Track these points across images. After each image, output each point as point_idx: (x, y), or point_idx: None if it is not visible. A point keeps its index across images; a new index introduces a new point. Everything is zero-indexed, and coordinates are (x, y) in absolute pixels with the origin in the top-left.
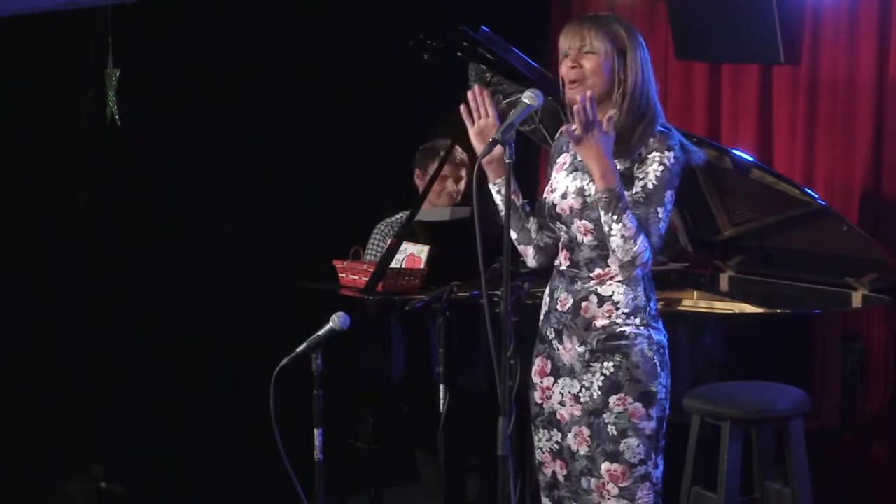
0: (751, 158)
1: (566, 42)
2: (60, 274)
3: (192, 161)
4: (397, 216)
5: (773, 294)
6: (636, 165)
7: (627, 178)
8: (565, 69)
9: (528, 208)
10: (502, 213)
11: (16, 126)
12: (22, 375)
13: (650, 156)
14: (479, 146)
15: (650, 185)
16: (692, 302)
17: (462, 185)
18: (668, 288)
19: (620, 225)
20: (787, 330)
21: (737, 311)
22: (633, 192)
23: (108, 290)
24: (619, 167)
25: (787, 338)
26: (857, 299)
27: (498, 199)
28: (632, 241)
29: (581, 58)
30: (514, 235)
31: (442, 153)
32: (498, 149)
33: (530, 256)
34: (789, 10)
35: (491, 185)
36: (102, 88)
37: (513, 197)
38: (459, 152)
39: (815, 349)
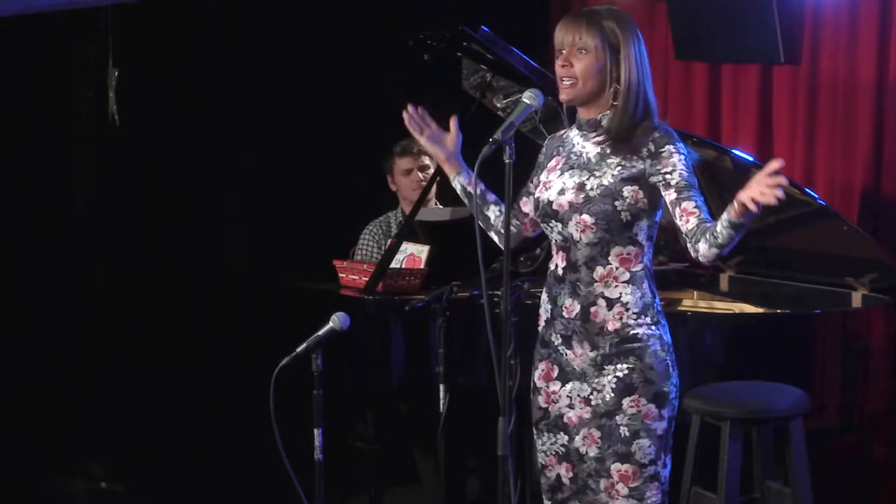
0: (751, 158)
1: (560, 37)
2: (60, 273)
3: (192, 161)
4: (383, 216)
5: (773, 294)
6: (650, 163)
7: (633, 178)
8: (558, 67)
9: (494, 197)
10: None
11: (16, 126)
12: (22, 375)
13: (664, 149)
14: (433, 150)
15: (685, 173)
16: (692, 302)
17: (429, 172)
18: (668, 288)
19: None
20: (787, 330)
21: (737, 311)
22: (675, 184)
23: (108, 290)
24: (632, 169)
25: (787, 338)
26: (857, 299)
27: (458, 188)
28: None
29: (572, 56)
30: (480, 223)
31: (397, 150)
32: (445, 147)
33: (496, 240)
34: (789, 10)
35: (452, 181)
36: (102, 88)
37: (468, 188)
38: (416, 143)
39: (815, 349)
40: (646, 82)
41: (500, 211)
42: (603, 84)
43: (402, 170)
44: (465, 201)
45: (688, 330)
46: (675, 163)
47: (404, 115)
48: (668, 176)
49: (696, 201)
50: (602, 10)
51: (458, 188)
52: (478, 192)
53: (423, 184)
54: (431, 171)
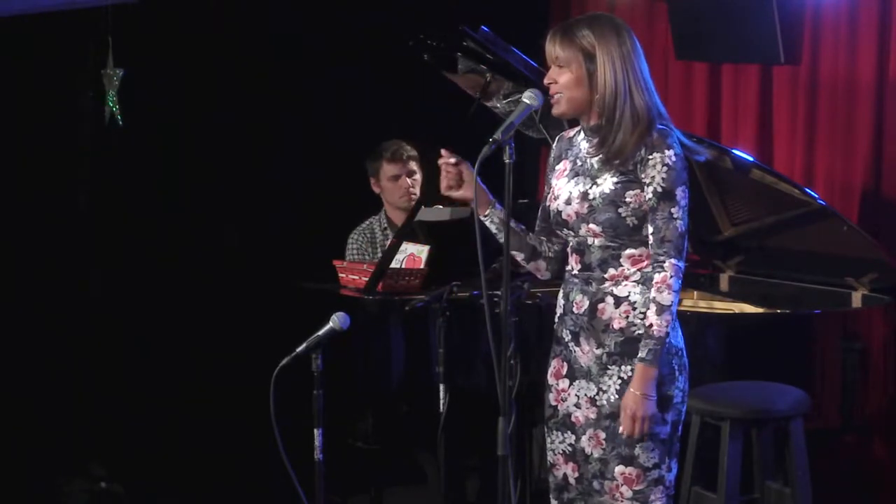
0: (751, 158)
1: (547, 52)
2: (60, 274)
3: (192, 161)
4: (366, 223)
5: (773, 294)
6: (638, 167)
7: (631, 182)
8: (546, 83)
9: (522, 227)
10: (499, 236)
11: (16, 126)
12: (22, 375)
13: (651, 157)
14: (471, 195)
15: (660, 189)
16: (692, 302)
17: (417, 177)
18: None
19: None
20: (787, 330)
21: (737, 311)
22: (646, 198)
23: (108, 290)
24: (620, 171)
25: (787, 338)
26: (857, 299)
27: (493, 228)
28: (667, 288)
29: (554, 71)
30: (520, 257)
31: (386, 154)
32: (469, 188)
33: (543, 269)
34: (789, 10)
35: (482, 218)
36: (102, 88)
37: (497, 219)
38: (405, 149)
39: (815, 349)
40: (633, 86)
41: (539, 239)
42: (588, 93)
43: (389, 175)
44: (498, 236)
45: (688, 330)
46: (655, 175)
47: (443, 169)
48: (646, 187)
49: (654, 224)
50: (581, 19)
51: (494, 224)
52: (514, 225)
53: (411, 190)
54: (419, 176)
